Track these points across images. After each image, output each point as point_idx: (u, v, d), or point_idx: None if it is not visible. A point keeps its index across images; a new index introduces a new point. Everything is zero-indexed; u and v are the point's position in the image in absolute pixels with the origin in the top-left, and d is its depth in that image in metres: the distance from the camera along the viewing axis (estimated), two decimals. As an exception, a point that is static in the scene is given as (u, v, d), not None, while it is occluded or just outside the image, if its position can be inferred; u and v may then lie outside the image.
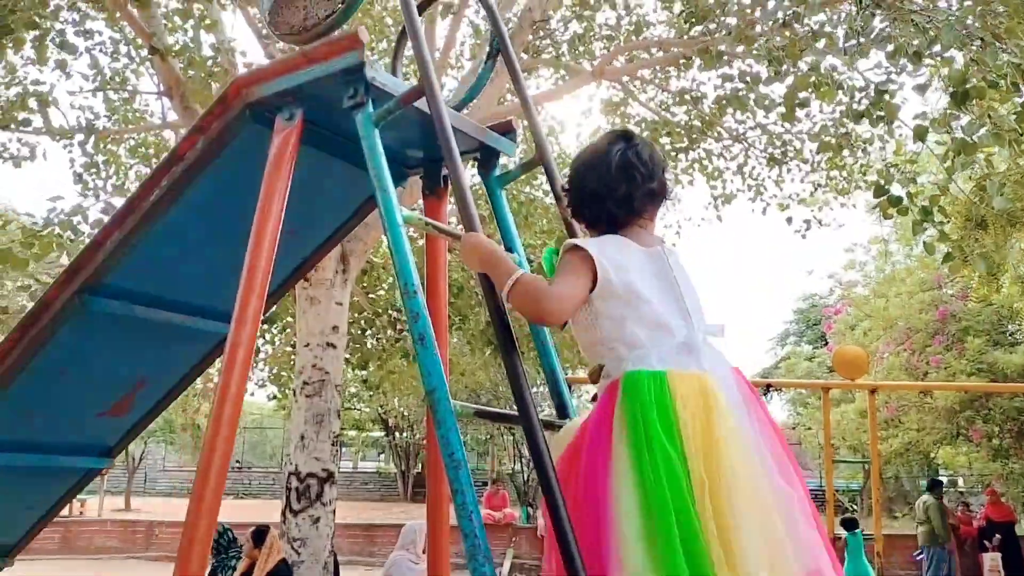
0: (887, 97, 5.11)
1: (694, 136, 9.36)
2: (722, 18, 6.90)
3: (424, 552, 8.44)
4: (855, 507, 25.79)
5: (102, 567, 13.55)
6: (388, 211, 2.02)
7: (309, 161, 2.52)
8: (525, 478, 18.37)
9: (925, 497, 12.72)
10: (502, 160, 2.71)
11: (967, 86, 4.76)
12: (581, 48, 8.59)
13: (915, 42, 4.74)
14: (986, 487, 18.46)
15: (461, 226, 2.05)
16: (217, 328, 3.05)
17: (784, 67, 6.29)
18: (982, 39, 4.60)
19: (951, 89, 4.86)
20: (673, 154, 9.19)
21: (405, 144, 2.66)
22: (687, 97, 8.48)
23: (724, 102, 7.43)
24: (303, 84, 2.22)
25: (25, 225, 6.07)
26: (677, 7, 7.87)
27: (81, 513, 18.59)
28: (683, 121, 9.39)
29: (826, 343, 25.88)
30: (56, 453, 3.21)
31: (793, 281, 76.36)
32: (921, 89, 4.99)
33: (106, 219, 6.34)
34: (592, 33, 8.68)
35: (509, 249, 2.44)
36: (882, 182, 5.53)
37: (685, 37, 7.57)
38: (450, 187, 2.67)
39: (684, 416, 1.73)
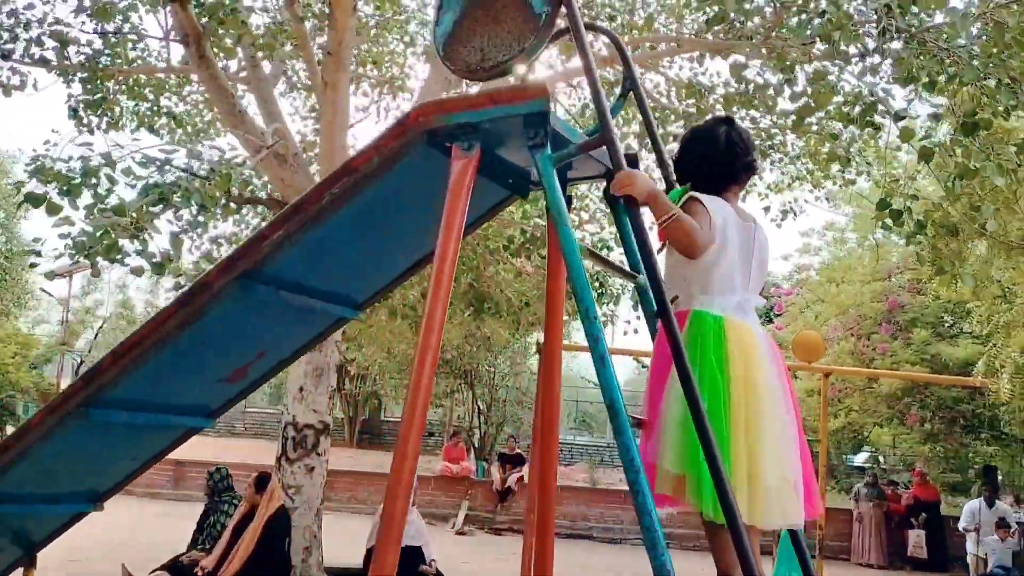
0: (901, 123, 5.53)
1: (690, 123, 9.73)
2: (743, 21, 7.25)
3: (413, 505, 8.87)
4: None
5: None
6: (568, 243, 2.37)
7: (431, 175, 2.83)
8: (482, 432, 18.88)
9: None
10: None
11: (976, 118, 5.25)
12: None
13: (940, 77, 5.17)
14: (910, 468, 19.66)
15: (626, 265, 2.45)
16: (339, 311, 3.36)
17: (795, 75, 6.69)
18: (999, 79, 5.05)
19: (962, 120, 5.33)
20: (669, 139, 9.57)
21: (502, 161, 2.93)
22: (694, 88, 8.83)
23: (736, 100, 7.81)
24: (485, 120, 2.52)
25: (59, 172, 6.15)
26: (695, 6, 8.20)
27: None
28: (681, 109, 9.76)
29: (771, 320, 26.89)
30: (171, 413, 3.49)
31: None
32: (935, 118, 5.46)
33: (138, 170, 6.47)
34: (611, 20, 8.96)
35: (635, 270, 2.80)
36: (887, 196, 5.99)
37: (702, 36, 7.92)
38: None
39: (733, 352, 2.43)
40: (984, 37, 4.86)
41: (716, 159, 2.65)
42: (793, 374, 17.36)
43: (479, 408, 18.74)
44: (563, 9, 2.52)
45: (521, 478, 16.05)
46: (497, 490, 15.82)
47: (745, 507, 2.31)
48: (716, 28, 7.41)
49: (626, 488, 2.14)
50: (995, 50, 4.92)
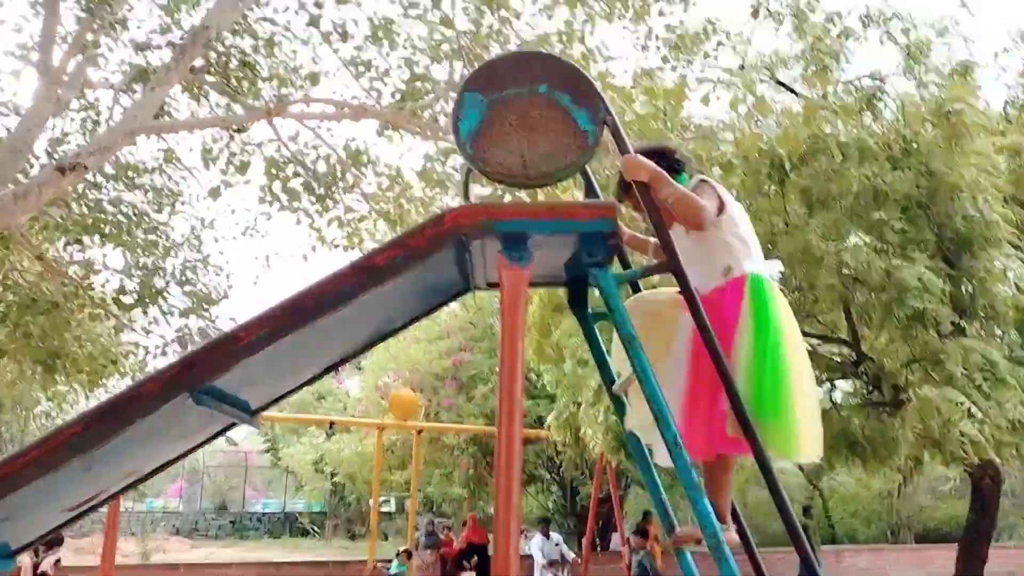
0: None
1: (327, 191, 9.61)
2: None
3: None
4: (316, 529, 27.27)
5: None
6: (640, 360, 2.41)
7: (430, 269, 2.64)
8: None
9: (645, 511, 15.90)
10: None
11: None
12: (249, 83, 8.38)
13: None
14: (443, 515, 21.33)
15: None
16: (239, 418, 2.80)
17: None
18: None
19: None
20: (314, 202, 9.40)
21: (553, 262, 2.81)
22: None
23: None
24: (542, 232, 2.41)
25: None
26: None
27: None
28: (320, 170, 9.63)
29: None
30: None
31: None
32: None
33: None
34: (268, 73, 8.55)
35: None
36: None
37: (377, 106, 8.03)
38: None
39: (782, 311, 2.75)
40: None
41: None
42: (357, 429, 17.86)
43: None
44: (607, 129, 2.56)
45: (58, 562, 13.83)
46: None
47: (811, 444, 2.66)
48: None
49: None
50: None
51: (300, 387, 3.04)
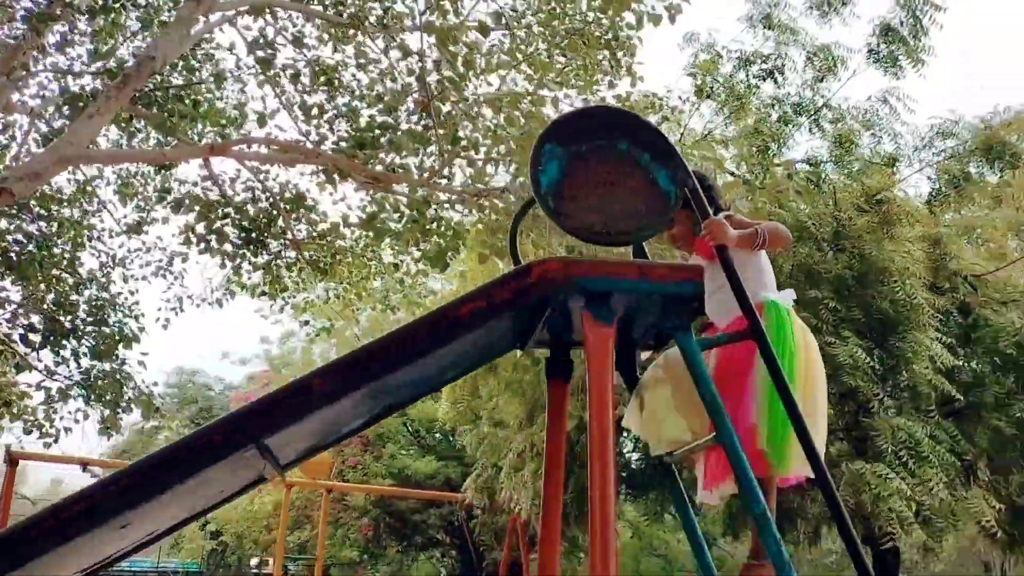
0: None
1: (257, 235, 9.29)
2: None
3: None
4: (191, 589, 25.65)
5: None
6: (728, 430, 2.35)
7: (489, 332, 2.55)
8: None
9: None
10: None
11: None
12: (191, 117, 8.07)
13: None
14: None
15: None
16: (278, 471, 2.58)
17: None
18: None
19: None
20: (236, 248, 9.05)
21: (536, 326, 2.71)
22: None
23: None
24: (627, 292, 2.35)
25: None
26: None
27: None
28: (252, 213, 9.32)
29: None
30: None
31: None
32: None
33: None
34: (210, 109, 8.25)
35: None
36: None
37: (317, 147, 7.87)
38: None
39: (799, 337, 2.94)
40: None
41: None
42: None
43: None
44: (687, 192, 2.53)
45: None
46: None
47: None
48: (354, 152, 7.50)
49: None
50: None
51: (327, 447, 2.84)
